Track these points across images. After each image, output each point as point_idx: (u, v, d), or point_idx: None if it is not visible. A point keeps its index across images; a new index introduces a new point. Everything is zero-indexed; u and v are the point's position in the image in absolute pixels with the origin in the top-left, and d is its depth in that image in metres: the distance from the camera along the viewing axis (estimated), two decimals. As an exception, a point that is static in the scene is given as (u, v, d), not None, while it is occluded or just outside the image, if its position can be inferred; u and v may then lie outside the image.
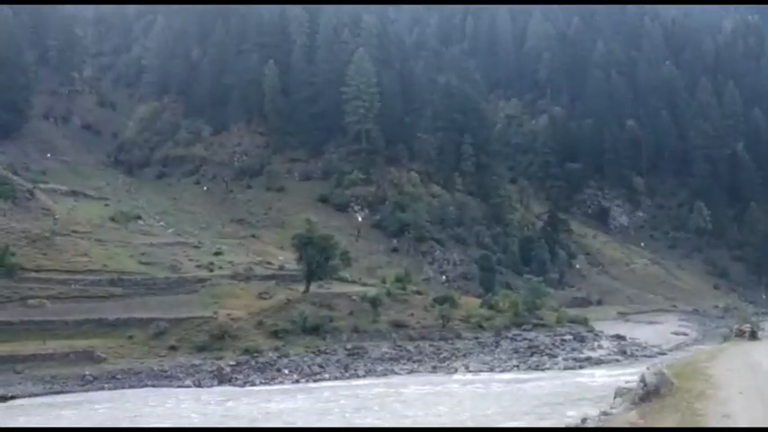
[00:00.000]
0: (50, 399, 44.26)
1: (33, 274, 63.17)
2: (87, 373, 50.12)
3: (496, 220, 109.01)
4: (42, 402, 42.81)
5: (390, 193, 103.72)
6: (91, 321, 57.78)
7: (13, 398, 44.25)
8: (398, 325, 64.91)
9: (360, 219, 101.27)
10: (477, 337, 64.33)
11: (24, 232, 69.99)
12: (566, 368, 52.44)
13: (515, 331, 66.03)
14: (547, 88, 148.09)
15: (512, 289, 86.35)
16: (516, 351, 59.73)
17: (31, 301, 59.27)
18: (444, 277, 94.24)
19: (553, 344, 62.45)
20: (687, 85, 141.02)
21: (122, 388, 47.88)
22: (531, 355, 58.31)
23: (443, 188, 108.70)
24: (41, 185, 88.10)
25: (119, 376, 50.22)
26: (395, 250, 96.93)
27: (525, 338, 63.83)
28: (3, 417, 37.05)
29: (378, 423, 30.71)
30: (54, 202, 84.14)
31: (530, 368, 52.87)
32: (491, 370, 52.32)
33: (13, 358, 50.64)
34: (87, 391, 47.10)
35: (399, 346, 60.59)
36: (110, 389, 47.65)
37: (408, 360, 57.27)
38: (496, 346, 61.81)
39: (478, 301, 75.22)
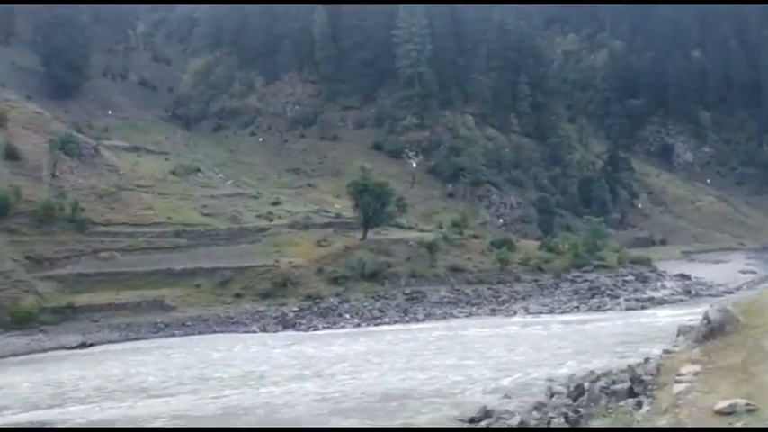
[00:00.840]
0: (126, 345, 46.64)
1: (102, 228, 65.81)
2: (159, 320, 52.51)
3: (555, 161, 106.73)
4: (118, 349, 45.16)
5: (445, 138, 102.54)
6: (159, 272, 60.15)
7: (92, 345, 46.84)
8: (456, 269, 65.07)
9: (414, 165, 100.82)
10: (536, 280, 63.99)
11: (92, 188, 72.66)
12: (628, 309, 51.77)
13: (575, 273, 65.32)
14: (606, 21, 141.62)
15: (571, 231, 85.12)
16: (576, 293, 59.24)
17: (102, 254, 61.97)
18: (501, 221, 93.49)
19: (614, 285, 61.60)
20: (757, 11, 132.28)
21: (192, 334, 49.97)
22: (592, 296, 57.75)
23: (499, 130, 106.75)
24: (104, 142, 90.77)
25: (188, 323, 52.40)
26: (450, 195, 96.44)
27: (586, 280, 63.11)
28: (86, 362, 39.27)
29: (441, 364, 31.16)
30: (117, 157, 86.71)
31: (590, 309, 52.44)
32: (551, 312, 52.16)
33: (90, 308, 53.43)
34: (159, 337, 49.39)
35: (457, 290, 60.91)
36: (180, 335, 49.81)
37: (467, 303, 57.60)
38: (556, 288, 61.44)
39: (537, 243, 74.50)
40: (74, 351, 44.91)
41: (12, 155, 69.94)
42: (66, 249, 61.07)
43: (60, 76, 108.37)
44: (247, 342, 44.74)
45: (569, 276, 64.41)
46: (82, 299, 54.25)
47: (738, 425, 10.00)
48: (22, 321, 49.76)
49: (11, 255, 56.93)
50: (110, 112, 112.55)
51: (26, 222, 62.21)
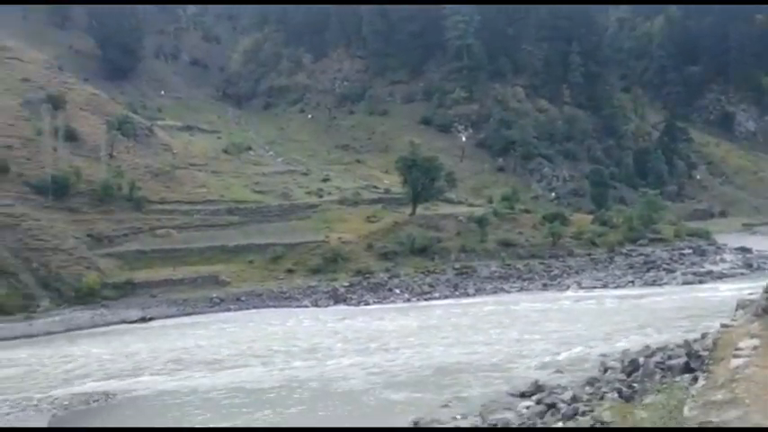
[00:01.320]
0: (183, 320, 48.02)
1: (159, 206, 67.61)
2: (214, 295, 53.84)
3: (609, 133, 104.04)
4: (177, 323, 46.55)
5: (495, 111, 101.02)
6: (214, 248, 61.54)
7: (151, 319, 48.42)
8: (507, 244, 64.44)
9: (464, 138, 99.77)
10: (589, 254, 62.85)
11: (147, 167, 74.57)
12: (685, 283, 50.38)
13: (630, 247, 63.82)
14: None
15: (626, 204, 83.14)
16: (631, 267, 57.95)
17: (159, 231, 63.73)
18: (554, 194, 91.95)
19: (671, 258, 59.96)
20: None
21: (246, 309, 51.07)
22: (648, 270, 56.39)
23: (550, 102, 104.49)
24: (158, 122, 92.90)
25: (242, 298, 53.57)
26: (501, 169, 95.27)
27: (641, 254, 61.60)
28: (147, 335, 40.68)
29: (493, 339, 31.08)
30: (171, 137, 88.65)
31: (646, 284, 51.26)
32: (604, 286, 51.23)
33: (148, 284, 55.14)
34: (215, 312, 50.67)
35: (508, 265, 60.36)
36: (235, 310, 50.99)
37: (518, 278, 57.09)
38: (610, 263, 60.24)
39: (590, 217, 73.04)
40: (134, 325, 46.53)
41: (71, 136, 72.20)
42: (125, 227, 63.06)
43: (115, 58, 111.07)
44: (300, 316, 45.51)
45: (624, 250, 62.99)
46: (140, 275, 56.05)
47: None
48: (85, 297, 51.80)
49: (73, 233, 59.11)
50: (163, 93, 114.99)
51: (86, 201, 64.39)
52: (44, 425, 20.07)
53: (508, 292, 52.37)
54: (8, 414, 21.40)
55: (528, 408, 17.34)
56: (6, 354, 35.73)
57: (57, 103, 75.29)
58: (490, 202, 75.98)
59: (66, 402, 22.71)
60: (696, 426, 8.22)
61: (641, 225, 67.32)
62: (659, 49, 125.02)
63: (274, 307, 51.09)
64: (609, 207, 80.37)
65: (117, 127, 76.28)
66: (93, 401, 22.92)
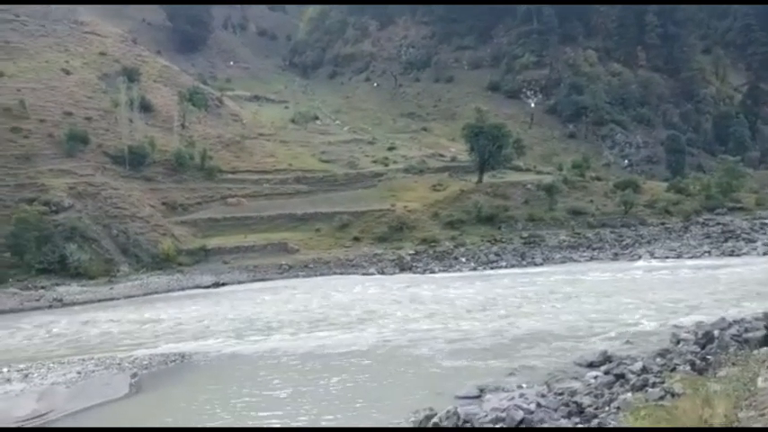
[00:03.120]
0: (254, 285, 49.46)
1: (229, 176, 69.45)
2: (283, 262, 55.17)
3: (686, 97, 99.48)
4: (247, 288, 48.01)
5: (565, 75, 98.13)
6: (282, 216, 62.91)
7: (224, 284, 50.14)
8: (576, 212, 63.14)
9: (533, 104, 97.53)
10: (663, 223, 60.88)
11: (218, 137, 76.52)
12: (765, 254, 48.12)
13: (707, 216, 61.44)
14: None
15: (704, 171, 79.74)
16: (708, 236, 55.81)
17: (230, 200, 65.58)
18: (626, 161, 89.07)
19: (752, 228, 57.33)
20: None
21: (314, 276, 52.15)
22: (726, 240, 54.18)
23: (624, 65, 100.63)
24: (228, 93, 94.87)
25: (310, 265, 54.67)
26: (571, 136, 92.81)
27: (719, 223, 59.19)
28: (220, 300, 42.16)
29: (561, 308, 30.68)
30: (240, 107, 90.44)
31: (723, 254, 49.27)
32: (679, 256, 49.56)
33: (220, 250, 57.01)
34: (284, 278, 51.96)
35: (578, 234, 59.19)
36: (303, 276, 52.14)
37: (587, 248, 55.94)
38: (685, 232, 58.21)
39: (665, 185, 70.52)
40: (208, 290, 48.31)
41: (146, 107, 74.73)
42: (198, 196, 65.18)
43: (186, 30, 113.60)
44: (366, 283, 46.06)
45: (700, 219, 60.69)
46: (213, 242, 57.97)
47: None
48: (161, 262, 54.08)
49: (149, 201, 61.51)
50: (231, 63, 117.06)
51: (160, 171, 66.80)
52: (126, 382, 21.17)
53: (577, 261, 51.44)
54: (94, 371, 22.68)
55: (596, 378, 17.08)
56: (91, 315, 37.79)
57: (132, 75, 77.99)
58: (560, 169, 74.35)
59: (145, 362, 23.87)
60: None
61: (720, 193, 64.64)
62: (744, 6, 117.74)
63: (341, 274, 51.95)
64: (685, 175, 77.33)
65: (188, 98, 78.43)
66: (171, 362, 24.00)
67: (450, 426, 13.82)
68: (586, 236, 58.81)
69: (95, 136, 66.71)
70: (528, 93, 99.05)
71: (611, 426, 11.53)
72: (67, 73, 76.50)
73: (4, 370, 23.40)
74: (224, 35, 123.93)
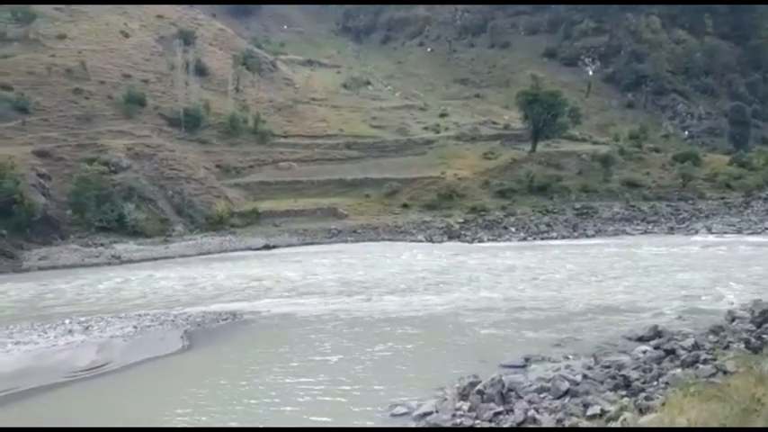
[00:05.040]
0: (303, 249, 50.23)
1: (282, 140, 70.15)
2: (332, 227, 55.75)
3: (754, 66, 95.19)
4: (297, 251, 48.77)
5: (626, 42, 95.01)
6: (332, 182, 63.37)
7: (274, 247, 51.08)
8: (632, 184, 61.67)
9: (590, 72, 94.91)
10: (722, 198, 58.94)
11: (271, 101, 77.16)
12: (833, 232, 46.11)
13: (771, 191, 59.13)
14: None
15: (769, 144, 76.51)
16: (771, 212, 53.77)
17: (281, 164, 66.36)
18: (687, 133, 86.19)
19: (819, 205, 54.96)
20: None
21: (363, 241, 52.56)
22: (790, 217, 52.11)
23: (689, 32, 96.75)
24: (281, 57, 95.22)
25: (359, 231, 55.08)
26: (630, 105, 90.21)
27: (783, 199, 56.94)
28: (271, 262, 43.00)
29: (613, 281, 30.18)
30: (293, 72, 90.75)
31: (786, 231, 47.39)
32: (738, 232, 47.97)
33: (271, 214, 57.94)
34: (333, 242, 52.57)
35: (632, 207, 57.89)
36: (351, 241, 52.61)
37: (642, 221, 54.67)
38: (746, 208, 56.26)
39: (727, 158, 68.03)
40: (259, 252, 49.30)
41: (201, 71, 75.75)
42: (250, 159, 66.15)
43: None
44: (414, 250, 46.19)
45: (763, 195, 58.52)
46: (265, 205, 58.92)
47: None
48: (215, 224, 55.35)
49: (203, 163, 62.74)
50: (285, 27, 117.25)
51: (215, 134, 67.95)
52: (179, 338, 21.91)
53: (631, 234, 50.39)
54: (149, 326, 23.52)
55: (645, 352, 16.80)
56: (147, 273, 39.09)
57: (188, 38, 79.02)
58: (616, 140, 72.57)
59: (198, 320, 24.60)
60: None
61: (786, 168, 62.05)
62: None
63: (389, 240, 52.21)
64: (749, 148, 74.42)
65: (242, 62, 79.11)
66: (222, 320, 24.66)
67: (494, 392, 13.85)
68: (641, 209, 57.45)
69: (152, 98, 68.12)
70: (586, 60, 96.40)
71: (657, 399, 11.36)
72: (126, 36, 78.00)
73: (66, 322, 24.49)
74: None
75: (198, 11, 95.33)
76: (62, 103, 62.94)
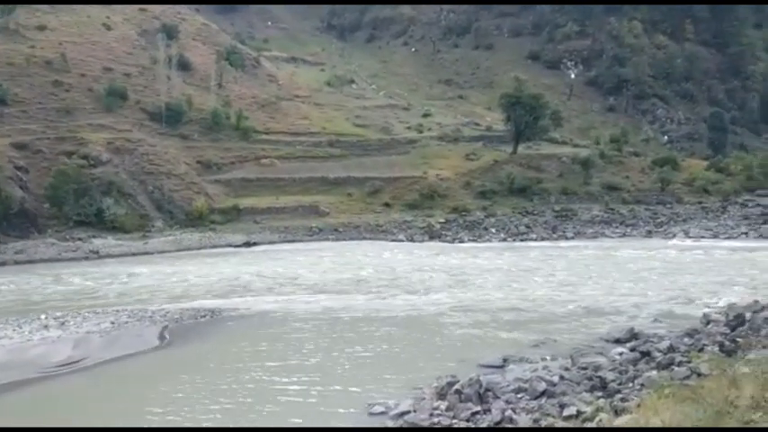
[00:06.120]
0: (284, 246, 50.08)
1: (264, 136, 69.82)
2: (314, 225, 55.64)
3: (734, 73, 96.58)
4: (278, 249, 48.61)
5: (608, 47, 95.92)
6: (315, 179, 63.23)
7: (255, 244, 50.83)
8: (611, 188, 62.30)
9: (573, 75, 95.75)
10: (700, 202, 59.73)
11: (254, 98, 76.74)
12: (807, 238, 46.92)
13: (747, 197, 60.09)
14: None
15: (746, 151, 77.77)
16: (746, 218, 54.64)
17: (263, 161, 66.04)
18: (666, 138, 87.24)
19: (793, 211, 55.84)
20: None
21: (344, 240, 52.53)
22: (765, 222, 52.96)
23: (671, 38, 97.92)
24: (265, 53, 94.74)
25: (340, 229, 55.05)
26: (611, 109, 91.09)
27: (759, 204, 57.86)
28: (251, 259, 42.82)
29: (591, 283, 30.47)
30: (276, 68, 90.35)
31: (762, 236, 48.21)
32: (715, 237, 48.65)
33: (252, 210, 57.67)
34: (314, 240, 52.48)
35: (611, 210, 58.47)
36: (333, 240, 52.56)
37: (621, 224, 55.23)
38: (723, 212, 57.06)
39: (705, 163, 68.98)
40: (239, 249, 49.05)
41: (184, 65, 75.12)
42: (232, 155, 65.76)
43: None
44: (394, 250, 46.26)
45: (739, 200, 59.39)
46: (246, 202, 58.63)
47: None
48: (195, 220, 54.98)
49: (184, 159, 62.26)
50: (269, 24, 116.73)
51: (196, 129, 67.46)
52: (157, 335, 21.74)
53: (609, 237, 50.88)
54: (127, 322, 23.31)
55: (621, 354, 17.00)
56: (125, 268, 38.73)
57: (171, 33, 78.34)
58: (597, 143, 73.22)
59: (176, 316, 24.43)
60: None
61: (762, 174, 63.11)
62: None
63: (370, 239, 52.23)
64: (727, 153, 75.52)
65: (226, 57, 78.62)
66: (201, 317, 24.51)
67: (471, 392, 13.93)
68: (620, 212, 58.04)
69: (134, 92, 67.46)
70: (568, 63, 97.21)
71: (632, 401, 11.51)
72: (108, 28, 77.15)
73: (42, 317, 24.19)
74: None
75: (181, 5, 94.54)
76: (41, 95, 62.12)
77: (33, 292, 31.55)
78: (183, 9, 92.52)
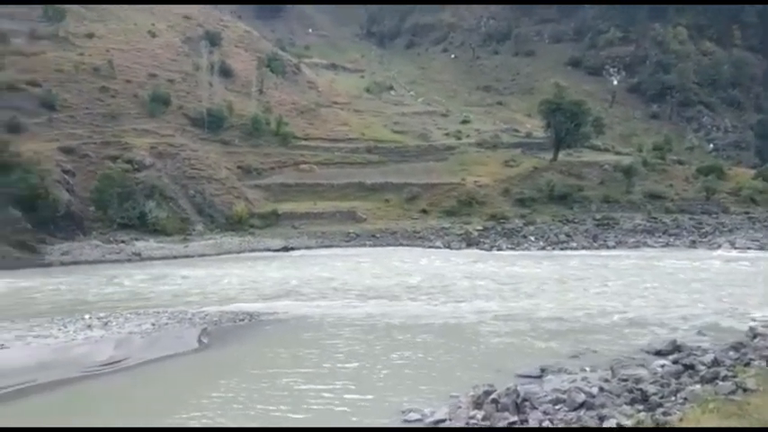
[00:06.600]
0: (322, 251, 50.33)
1: (303, 142, 70.43)
2: (351, 230, 55.81)
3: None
4: (315, 254, 48.87)
5: (652, 53, 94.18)
6: (352, 185, 63.47)
7: (293, 249, 51.25)
8: (654, 196, 61.05)
9: (615, 82, 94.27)
10: (746, 212, 58.10)
11: (294, 104, 77.53)
12: None
13: (797, 207, 58.18)
14: None
15: (796, 159, 75.34)
16: (796, 229, 52.90)
17: (302, 167, 66.59)
18: (712, 146, 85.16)
19: None
20: None
21: (380, 245, 52.54)
22: (815, 233, 51.24)
23: (717, 44, 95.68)
24: (305, 60, 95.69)
25: (377, 235, 55.10)
26: (654, 116, 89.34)
27: (809, 215, 56.01)
28: (289, 264, 43.14)
29: (633, 293, 29.84)
30: (316, 75, 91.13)
31: (812, 248, 46.56)
32: (761, 248, 47.25)
33: (291, 215, 58.16)
34: (351, 246, 52.62)
35: (654, 219, 57.28)
36: (370, 246, 52.61)
37: (663, 233, 54.06)
38: (771, 223, 55.32)
39: (752, 172, 67.07)
40: (277, 253, 49.48)
41: (225, 72, 76.34)
42: (272, 161, 66.47)
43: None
44: (432, 256, 46.07)
45: (789, 210, 57.55)
46: (284, 207, 59.17)
47: None
48: (234, 224, 55.68)
49: (225, 164, 63.18)
50: (310, 30, 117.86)
51: (237, 135, 68.40)
52: (196, 337, 22.04)
53: (652, 246, 49.85)
54: (167, 324, 23.70)
55: (663, 367, 16.58)
56: (166, 270, 39.42)
57: (213, 39, 79.72)
58: (640, 150, 71.92)
59: (215, 319, 24.73)
60: None
61: (813, 183, 61.06)
62: None
63: (407, 246, 52.14)
64: (775, 162, 73.31)
65: (267, 64, 79.66)
66: (239, 320, 24.77)
67: (508, 402, 13.75)
68: (663, 221, 56.82)
69: (177, 98, 68.78)
70: (611, 70, 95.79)
71: (675, 415, 11.20)
72: (153, 35, 78.89)
73: (86, 317, 24.75)
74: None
75: (224, 12, 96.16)
76: (88, 100, 63.77)
77: (88, 292, 32.32)
78: (225, 16, 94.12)
